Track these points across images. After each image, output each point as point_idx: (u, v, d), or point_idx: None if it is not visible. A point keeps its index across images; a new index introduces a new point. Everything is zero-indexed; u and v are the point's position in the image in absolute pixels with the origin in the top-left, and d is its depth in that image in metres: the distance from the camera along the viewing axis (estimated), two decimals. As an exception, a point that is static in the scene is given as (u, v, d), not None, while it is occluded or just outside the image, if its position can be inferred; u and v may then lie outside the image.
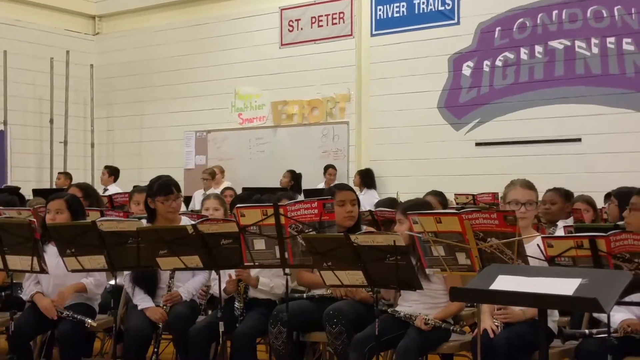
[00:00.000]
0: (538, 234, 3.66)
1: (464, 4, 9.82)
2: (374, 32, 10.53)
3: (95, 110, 12.73)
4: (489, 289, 2.24)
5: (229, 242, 3.54)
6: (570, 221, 5.17)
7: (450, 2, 9.91)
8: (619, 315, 3.28)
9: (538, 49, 9.34)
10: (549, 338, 3.44)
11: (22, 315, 4.13)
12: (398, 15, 10.31)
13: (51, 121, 12.10)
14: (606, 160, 8.75)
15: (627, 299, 3.05)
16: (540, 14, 9.35)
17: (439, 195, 5.38)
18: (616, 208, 4.94)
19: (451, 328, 3.56)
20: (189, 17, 12.12)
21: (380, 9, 10.44)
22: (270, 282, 4.01)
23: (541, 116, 9.25)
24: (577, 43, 9.09)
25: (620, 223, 4.01)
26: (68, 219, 4.08)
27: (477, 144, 9.72)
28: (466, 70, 9.81)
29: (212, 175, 10.42)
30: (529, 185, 3.62)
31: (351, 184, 9.67)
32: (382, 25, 10.45)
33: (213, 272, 3.92)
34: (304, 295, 4.03)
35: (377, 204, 5.77)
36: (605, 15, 8.93)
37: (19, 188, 7.72)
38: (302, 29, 11.07)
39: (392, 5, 10.34)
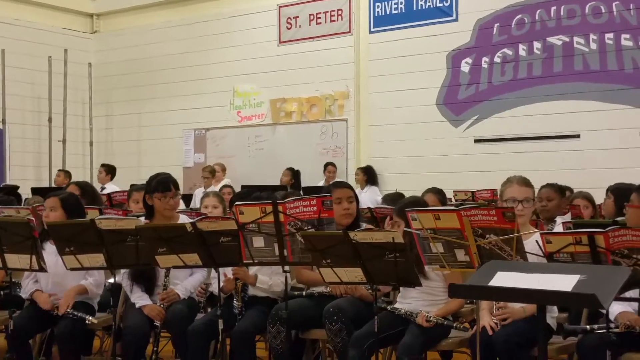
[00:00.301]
0: (537, 230, 3.66)
1: (462, 1, 9.81)
2: (372, 29, 10.52)
3: (93, 109, 12.72)
4: (488, 285, 2.25)
5: (228, 239, 3.54)
6: (568, 217, 5.18)
7: (448, -1, 9.91)
8: (616, 307, 3.28)
9: (536, 45, 9.34)
10: (548, 334, 3.45)
11: (21, 314, 4.13)
12: (396, 12, 10.30)
13: (49, 120, 12.09)
14: (605, 156, 8.75)
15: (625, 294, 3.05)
16: (539, 10, 9.34)
17: (438, 193, 5.38)
18: (612, 204, 4.94)
19: (454, 325, 3.57)
20: (187, 15, 12.10)
21: (378, 6, 10.44)
22: (269, 280, 4.01)
23: (540, 112, 9.25)
24: (576, 39, 9.08)
25: (619, 219, 4.01)
26: (62, 217, 4.08)
27: (476, 141, 9.72)
28: (465, 66, 9.80)
29: (212, 173, 10.43)
30: (525, 183, 3.62)
31: (351, 181, 9.69)
32: (380, 22, 10.44)
33: (212, 270, 3.92)
34: (303, 293, 4.03)
35: (385, 198, 5.75)
36: (603, 11, 8.93)
37: (18, 187, 7.72)
38: (300, 26, 11.06)
39: (390, 2, 10.33)
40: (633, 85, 8.73)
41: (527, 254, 3.10)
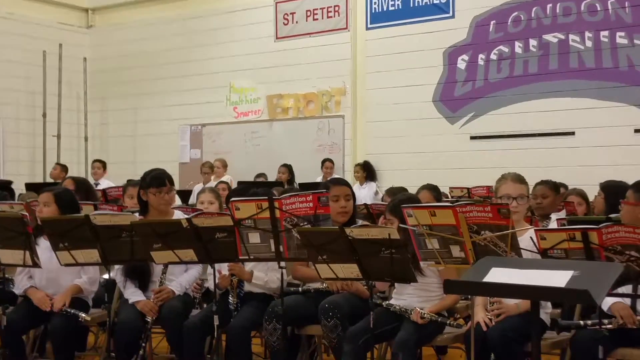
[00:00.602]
0: (531, 226, 3.67)
1: (459, -2, 9.82)
2: (369, 26, 10.52)
3: (88, 104, 12.68)
4: (482, 281, 2.25)
5: (224, 235, 3.53)
6: (563, 214, 5.19)
7: (445, -4, 9.91)
8: (609, 299, 3.29)
9: (532, 42, 9.35)
10: (542, 330, 3.47)
11: (15, 310, 4.12)
12: (393, 8, 10.30)
13: (44, 114, 12.06)
14: (599, 153, 8.77)
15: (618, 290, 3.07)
16: (535, 7, 9.35)
17: (433, 190, 5.39)
18: (602, 201, 4.96)
19: (447, 322, 3.58)
20: (184, 10, 12.07)
21: (375, 2, 10.43)
22: (264, 276, 4.02)
23: (535, 110, 9.27)
24: (571, 37, 9.10)
25: (613, 216, 4.02)
26: (55, 213, 4.06)
27: (472, 138, 9.73)
28: (461, 63, 9.81)
29: (211, 168, 10.44)
30: (520, 179, 3.63)
31: (347, 178, 9.70)
32: (377, 18, 10.44)
33: (208, 265, 3.91)
34: (300, 289, 4.04)
35: (388, 192, 5.74)
36: (599, 9, 8.94)
37: (11, 182, 7.69)
38: (297, 22, 11.04)
39: (386, -2, 10.33)
40: (628, 83, 8.75)
41: (522, 250, 3.12)
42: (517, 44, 9.46)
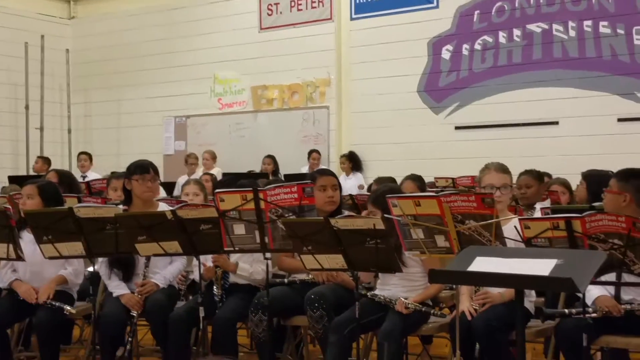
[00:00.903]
0: (515, 216, 3.69)
1: (443, -13, 9.82)
2: (353, 16, 10.49)
3: (71, 96, 12.57)
4: (467, 270, 2.27)
5: (209, 227, 3.53)
6: (547, 203, 5.22)
7: (429, -14, 9.91)
8: (594, 291, 3.33)
9: (516, 32, 9.38)
10: (526, 318, 3.49)
11: (-1, 303, 4.10)
12: (377, -2, 10.28)
13: (26, 107, 11.93)
14: (583, 142, 8.83)
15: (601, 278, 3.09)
16: (519, -3, 9.38)
17: (417, 180, 5.40)
18: (585, 190, 4.99)
19: (431, 312, 3.60)
20: (167, 0, 11.97)
21: (359, -7, 10.40)
22: (249, 267, 4.01)
23: (519, 99, 9.30)
24: (555, 26, 9.13)
25: (596, 204, 4.06)
26: (39, 205, 4.04)
27: (457, 128, 9.76)
28: (445, 54, 9.82)
29: (197, 159, 10.42)
30: (503, 169, 3.65)
31: (333, 168, 9.70)
32: (361, 8, 10.42)
33: (193, 257, 3.90)
34: (285, 280, 4.04)
35: (377, 181, 5.74)
36: (582, -2, 8.98)
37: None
38: (281, 12, 10.99)
39: (371, -12, 10.30)
40: (611, 73, 8.80)
41: (506, 239, 3.13)
42: (501, 34, 9.48)
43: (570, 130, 8.98)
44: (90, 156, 10.34)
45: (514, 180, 4.23)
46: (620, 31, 8.75)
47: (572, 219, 2.95)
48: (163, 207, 4.13)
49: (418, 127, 9.94)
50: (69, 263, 4.12)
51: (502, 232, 3.14)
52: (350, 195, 6.03)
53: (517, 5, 9.38)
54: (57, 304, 3.95)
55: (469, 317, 3.40)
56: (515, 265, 2.21)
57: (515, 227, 3.12)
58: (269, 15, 11.08)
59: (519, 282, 2.25)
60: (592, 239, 2.94)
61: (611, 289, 3.34)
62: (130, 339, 3.86)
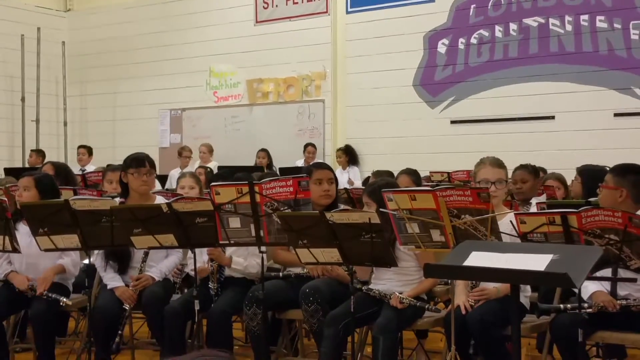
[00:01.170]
0: (511, 210, 3.69)
1: (440, -19, 9.79)
2: (349, 10, 10.46)
3: (67, 88, 12.52)
4: (462, 265, 2.27)
5: (204, 220, 3.52)
6: (543, 198, 5.23)
7: (426, -21, 9.88)
8: (591, 287, 3.33)
9: (512, 26, 9.37)
10: (521, 313, 3.50)
11: (-5, 296, 4.09)
12: (373, -8, 10.26)
13: (22, 99, 11.89)
14: (579, 137, 8.84)
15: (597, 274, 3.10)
16: (515, -9, 9.36)
17: (413, 174, 5.40)
18: (580, 185, 5.00)
19: (426, 307, 3.60)
20: (163, -7, 11.93)
21: (355, -14, 10.38)
22: (244, 261, 4.01)
23: (515, 94, 9.30)
24: (551, 21, 9.12)
25: (592, 199, 4.06)
26: (35, 197, 4.03)
27: (452, 122, 9.76)
28: (441, 48, 9.81)
29: (191, 152, 10.41)
30: (498, 164, 3.64)
31: (329, 162, 9.69)
32: (357, 2, 10.39)
33: (189, 250, 3.90)
34: (280, 274, 4.04)
35: (375, 174, 5.74)
36: (579, -7, 8.97)
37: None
38: (277, 6, 10.95)
39: (367, -18, 10.28)
40: (607, 67, 8.81)
41: (502, 234, 3.14)
42: (497, 28, 9.47)
43: (567, 125, 8.99)
44: (89, 149, 10.30)
45: (510, 174, 4.22)
46: (617, 26, 8.75)
47: (569, 214, 2.95)
48: (159, 200, 4.12)
49: (414, 121, 9.93)
50: (66, 254, 4.11)
51: (498, 226, 3.15)
52: (346, 189, 6.03)
53: (513, -1, 9.37)
54: (53, 295, 3.95)
55: (464, 312, 3.41)
56: (511, 260, 2.21)
57: (510, 221, 3.12)
58: (265, 8, 11.04)
59: (515, 277, 2.25)
60: (588, 234, 2.95)
61: (607, 285, 3.34)
62: (120, 332, 3.86)
